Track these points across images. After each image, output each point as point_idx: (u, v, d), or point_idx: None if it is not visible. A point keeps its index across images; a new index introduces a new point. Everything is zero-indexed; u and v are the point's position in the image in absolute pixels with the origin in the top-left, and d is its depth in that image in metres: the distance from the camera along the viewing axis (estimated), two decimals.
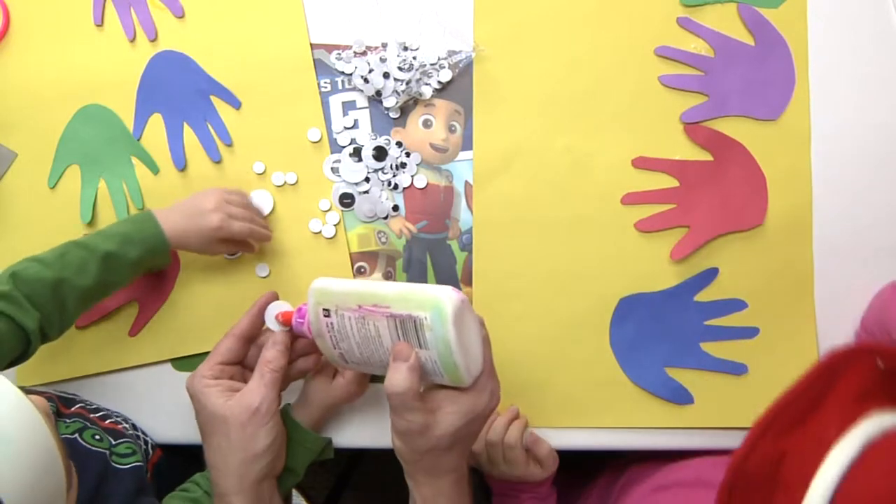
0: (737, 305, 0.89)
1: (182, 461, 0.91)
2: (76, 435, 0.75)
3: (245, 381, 0.77)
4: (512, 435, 0.84)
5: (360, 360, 0.69)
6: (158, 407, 0.90)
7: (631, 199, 0.90)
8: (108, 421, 0.83)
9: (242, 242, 0.87)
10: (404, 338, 0.64)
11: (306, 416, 0.83)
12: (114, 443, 0.79)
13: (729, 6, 0.91)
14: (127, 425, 0.85)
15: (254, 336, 0.79)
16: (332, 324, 0.67)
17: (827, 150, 0.90)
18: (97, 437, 0.77)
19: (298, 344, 0.79)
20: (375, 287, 0.66)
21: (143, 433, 0.88)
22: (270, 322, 0.78)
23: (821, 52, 0.91)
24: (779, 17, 0.91)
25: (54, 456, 0.51)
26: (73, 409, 0.81)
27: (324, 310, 0.67)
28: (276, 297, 0.80)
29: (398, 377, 0.61)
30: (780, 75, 0.91)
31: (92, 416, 0.82)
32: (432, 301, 0.62)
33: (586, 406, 0.88)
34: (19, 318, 0.70)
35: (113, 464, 0.76)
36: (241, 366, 0.79)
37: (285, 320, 0.75)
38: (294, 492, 1.17)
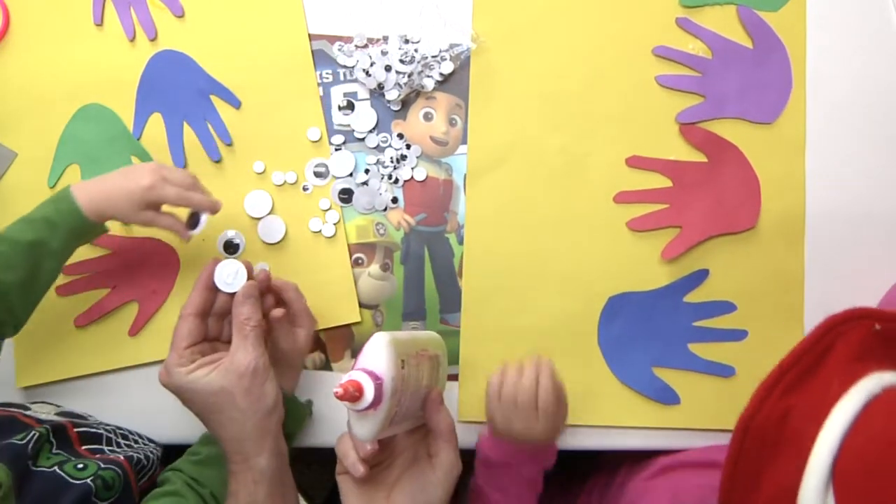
0: (726, 308, 0.90)
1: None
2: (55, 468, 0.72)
3: (215, 351, 0.75)
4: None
5: (402, 417, 0.67)
6: (159, 407, 0.89)
7: (624, 198, 0.91)
8: (98, 455, 0.79)
9: (173, 219, 0.82)
10: (433, 376, 0.70)
11: (283, 383, 0.82)
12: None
13: (728, 8, 0.92)
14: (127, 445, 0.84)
15: (208, 309, 0.77)
16: (404, 376, 0.65)
17: (822, 156, 0.90)
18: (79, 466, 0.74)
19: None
20: (417, 334, 0.73)
21: (149, 442, 0.88)
22: (224, 285, 0.76)
23: (819, 56, 0.91)
24: (778, 21, 0.91)
25: None
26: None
27: (401, 361, 0.65)
28: (219, 260, 0.77)
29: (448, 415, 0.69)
30: (778, 79, 0.91)
31: (84, 447, 0.79)
32: (438, 341, 0.74)
33: (572, 403, 0.88)
34: None
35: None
36: (205, 341, 0.77)
37: (355, 389, 0.61)
38: None
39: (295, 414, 0.83)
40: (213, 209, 0.82)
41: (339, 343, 0.92)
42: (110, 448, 0.81)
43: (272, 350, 0.80)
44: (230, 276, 0.76)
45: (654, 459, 0.86)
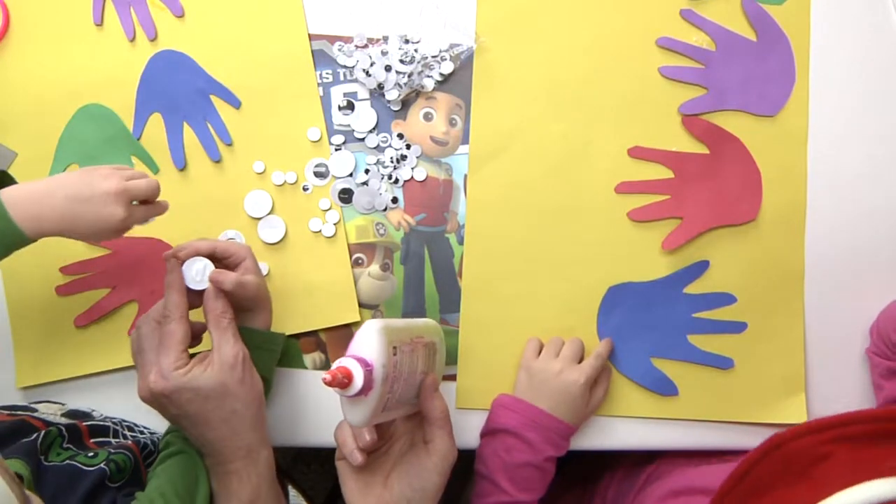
0: (726, 299, 0.89)
1: None
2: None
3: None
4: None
5: (396, 403, 0.67)
6: None
7: (625, 188, 0.90)
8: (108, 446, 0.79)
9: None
10: (429, 363, 0.70)
11: (259, 322, 0.82)
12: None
13: (733, 0, 0.92)
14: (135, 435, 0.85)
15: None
16: (396, 363, 0.65)
17: (824, 149, 0.90)
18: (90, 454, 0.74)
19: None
20: (412, 321, 0.74)
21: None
22: (194, 284, 0.76)
23: (822, 50, 0.91)
24: (782, 14, 0.91)
25: None
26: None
27: (393, 348, 0.65)
28: (182, 261, 0.76)
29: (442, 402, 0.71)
30: (781, 72, 0.91)
31: (92, 440, 0.79)
32: (436, 327, 0.75)
33: None
34: None
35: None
36: None
37: (343, 376, 0.61)
38: (294, 492, 1.17)
39: (264, 346, 0.82)
40: (163, 212, 0.81)
41: (339, 343, 0.91)
42: (117, 440, 0.82)
43: (236, 301, 0.78)
44: (198, 273, 0.76)
45: (663, 481, 0.84)
